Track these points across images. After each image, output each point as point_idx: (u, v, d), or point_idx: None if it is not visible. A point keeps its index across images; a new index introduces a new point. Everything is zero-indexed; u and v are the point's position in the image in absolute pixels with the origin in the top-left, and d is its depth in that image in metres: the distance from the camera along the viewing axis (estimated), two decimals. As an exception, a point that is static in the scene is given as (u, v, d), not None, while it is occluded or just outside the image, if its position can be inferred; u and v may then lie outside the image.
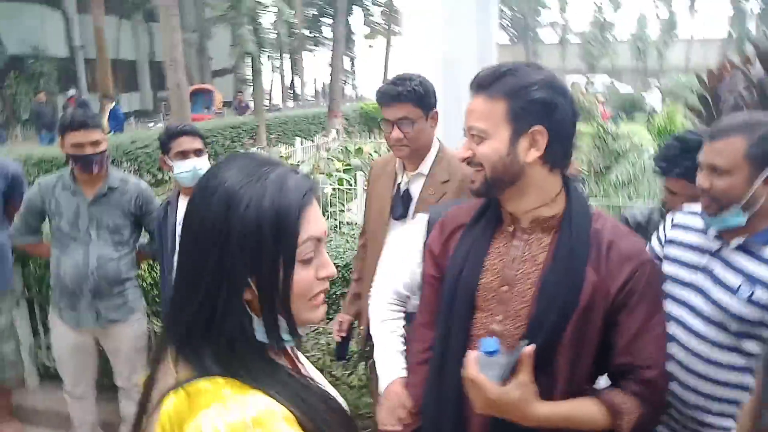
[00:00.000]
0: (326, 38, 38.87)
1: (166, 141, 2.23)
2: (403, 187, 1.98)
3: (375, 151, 8.70)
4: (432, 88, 1.90)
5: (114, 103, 12.92)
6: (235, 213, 0.72)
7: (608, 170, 7.66)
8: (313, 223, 0.77)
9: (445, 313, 1.24)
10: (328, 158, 8.39)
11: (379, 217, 2.04)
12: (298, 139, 10.55)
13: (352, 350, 2.64)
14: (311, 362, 0.92)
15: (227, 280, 0.73)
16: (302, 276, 0.77)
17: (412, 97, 1.83)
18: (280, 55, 19.68)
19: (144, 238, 2.57)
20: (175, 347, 0.76)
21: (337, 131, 15.29)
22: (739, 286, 1.34)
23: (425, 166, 1.94)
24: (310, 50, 38.18)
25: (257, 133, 14.42)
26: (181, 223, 2.20)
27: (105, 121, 10.65)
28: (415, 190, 1.95)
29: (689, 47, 41.05)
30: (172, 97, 9.26)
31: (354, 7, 35.32)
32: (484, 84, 1.15)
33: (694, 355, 1.40)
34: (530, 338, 1.08)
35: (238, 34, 15.27)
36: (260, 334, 0.76)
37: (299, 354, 0.89)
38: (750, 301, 1.30)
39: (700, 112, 4.78)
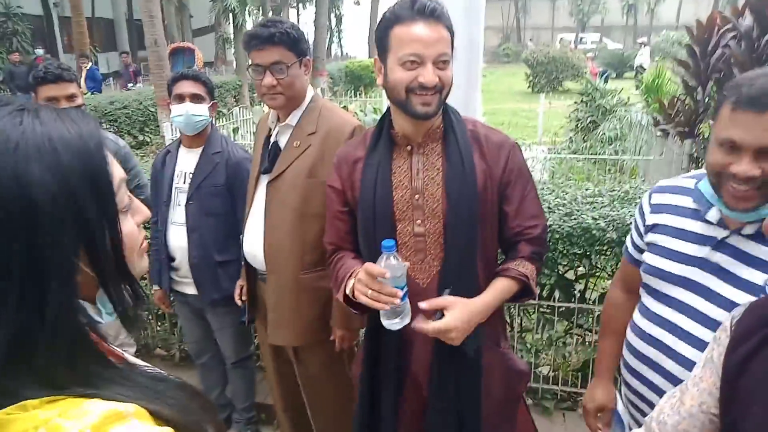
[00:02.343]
0: (311, -5, 37.71)
1: (170, 84, 2.21)
2: (272, 140, 1.88)
3: (360, 110, 8.56)
4: (304, 35, 1.80)
5: (91, 63, 12.55)
6: (29, 173, 0.54)
7: (596, 126, 7.63)
8: (116, 163, 0.64)
9: (369, 233, 1.42)
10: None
11: (254, 172, 1.96)
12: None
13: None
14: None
15: (52, 268, 0.55)
16: (128, 227, 0.65)
17: (285, 39, 1.71)
18: (264, 12, 19.11)
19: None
20: None
21: (322, 90, 15.02)
22: (766, 282, 1.09)
23: (294, 118, 1.83)
24: (295, 7, 37.13)
25: (240, 93, 14.14)
26: (181, 174, 2.17)
27: (82, 82, 10.34)
28: (283, 142, 1.85)
29: (680, 2, 40.45)
30: (151, 55, 8.91)
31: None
32: (436, 14, 1.29)
33: (688, 367, 1.14)
34: (450, 225, 1.36)
35: (219, -10, 14.75)
36: (106, 318, 0.64)
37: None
38: None
39: (687, 64, 4.72)
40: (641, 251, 1.37)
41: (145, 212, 0.70)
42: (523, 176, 1.43)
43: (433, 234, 1.39)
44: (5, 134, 0.55)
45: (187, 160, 2.23)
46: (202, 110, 2.15)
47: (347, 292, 1.38)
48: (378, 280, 1.24)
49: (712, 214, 1.17)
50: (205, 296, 2.25)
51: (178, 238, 2.20)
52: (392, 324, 1.30)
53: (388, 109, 1.45)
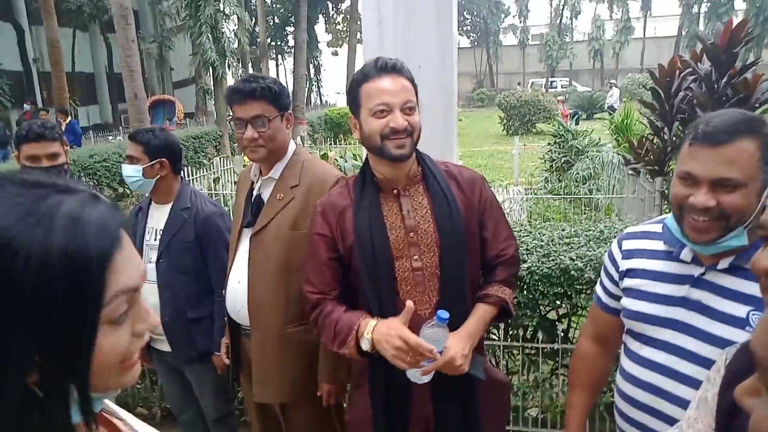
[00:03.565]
0: (291, 47, 38.70)
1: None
2: (255, 193, 1.90)
3: (341, 157, 8.67)
4: (286, 90, 1.85)
5: (70, 118, 12.59)
6: (12, 270, 0.51)
7: (569, 166, 7.82)
8: (127, 271, 0.59)
9: (371, 274, 1.50)
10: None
11: (236, 226, 1.95)
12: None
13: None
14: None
15: (2, 364, 0.53)
16: (112, 340, 0.59)
17: (266, 94, 1.75)
18: (243, 65, 19.52)
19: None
20: None
21: (302, 138, 15.20)
22: (748, 314, 1.10)
23: (277, 171, 1.86)
24: (274, 59, 37.95)
25: (220, 143, 14.24)
26: (151, 231, 2.16)
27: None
28: (266, 195, 1.87)
29: (644, 46, 42.32)
30: (131, 109, 9.03)
31: (320, 15, 35.36)
32: (397, 68, 1.48)
33: (686, 407, 1.07)
34: (445, 256, 1.49)
35: (199, 43, 15.05)
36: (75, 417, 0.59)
37: (117, 409, 0.71)
38: None
39: (653, 105, 4.92)
40: (616, 298, 1.37)
41: (149, 320, 0.64)
42: (494, 205, 1.62)
43: (430, 266, 1.51)
44: (20, 211, 0.54)
45: (157, 217, 2.22)
46: (132, 171, 2.13)
47: (366, 348, 1.44)
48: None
49: (686, 254, 1.20)
50: (179, 354, 2.21)
51: (150, 296, 2.17)
52: (419, 378, 1.43)
53: (367, 159, 1.55)
